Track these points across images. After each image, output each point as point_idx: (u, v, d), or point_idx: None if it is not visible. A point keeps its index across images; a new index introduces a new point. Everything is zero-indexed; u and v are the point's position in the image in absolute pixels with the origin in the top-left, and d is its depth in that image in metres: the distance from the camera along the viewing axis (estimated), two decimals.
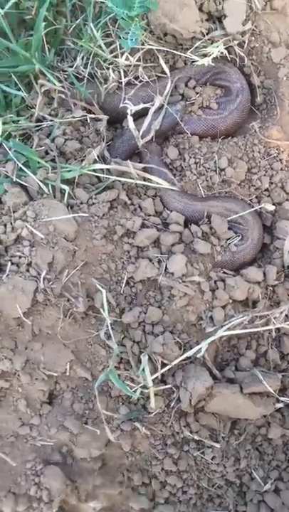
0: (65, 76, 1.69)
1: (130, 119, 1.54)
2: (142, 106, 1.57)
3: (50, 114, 1.65)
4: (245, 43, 1.66)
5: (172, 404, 1.55)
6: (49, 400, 1.53)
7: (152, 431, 1.56)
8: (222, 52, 1.59)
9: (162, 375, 1.51)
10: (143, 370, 1.44)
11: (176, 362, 1.48)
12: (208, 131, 1.69)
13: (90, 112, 1.67)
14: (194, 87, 1.67)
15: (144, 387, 1.47)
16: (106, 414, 1.48)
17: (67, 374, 1.50)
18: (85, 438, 1.48)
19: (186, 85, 1.68)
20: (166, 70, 1.59)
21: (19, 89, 1.64)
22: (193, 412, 1.57)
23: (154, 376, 1.45)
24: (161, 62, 1.59)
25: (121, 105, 1.59)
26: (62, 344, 1.50)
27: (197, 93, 1.66)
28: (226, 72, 1.66)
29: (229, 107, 1.66)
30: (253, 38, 1.68)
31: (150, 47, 1.59)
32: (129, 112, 1.53)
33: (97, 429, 1.51)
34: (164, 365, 1.50)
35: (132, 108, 1.53)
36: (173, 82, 1.62)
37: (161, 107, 1.59)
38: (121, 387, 1.42)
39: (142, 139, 1.59)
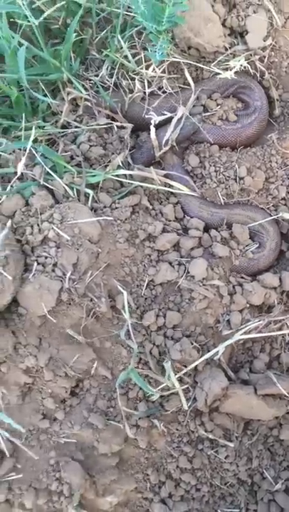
0: (90, 85, 1.75)
1: (153, 130, 1.61)
2: (165, 116, 1.63)
3: (75, 121, 1.72)
4: (265, 57, 1.73)
5: (189, 404, 1.60)
6: (72, 396, 1.57)
7: (168, 429, 1.61)
8: (244, 67, 1.66)
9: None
10: (169, 376, 1.49)
11: (194, 365, 1.53)
12: (218, 140, 1.73)
13: (113, 119, 1.74)
14: (216, 99, 1.73)
15: (164, 388, 1.53)
16: (126, 411, 1.53)
17: (90, 372, 1.55)
18: (107, 434, 1.53)
19: (210, 97, 1.73)
20: (191, 81, 1.66)
21: (45, 95, 1.70)
22: (208, 411, 1.62)
23: (176, 376, 1.50)
24: (186, 74, 1.66)
25: (146, 116, 1.64)
26: (84, 343, 1.55)
27: (218, 105, 1.73)
28: (250, 88, 1.72)
29: (244, 121, 1.72)
30: (273, 53, 1.75)
31: (175, 59, 1.65)
32: (152, 122, 1.59)
33: (119, 425, 1.56)
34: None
35: (156, 119, 1.59)
36: (196, 94, 1.68)
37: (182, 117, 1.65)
38: (142, 386, 1.48)
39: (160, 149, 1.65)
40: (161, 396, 1.58)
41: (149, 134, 1.65)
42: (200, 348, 1.60)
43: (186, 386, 1.59)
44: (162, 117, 1.65)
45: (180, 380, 1.59)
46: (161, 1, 1.49)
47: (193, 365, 1.54)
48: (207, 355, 1.55)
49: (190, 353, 1.56)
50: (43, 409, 1.57)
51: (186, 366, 1.56)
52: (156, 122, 1.63)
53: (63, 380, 1.53)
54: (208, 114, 1.70)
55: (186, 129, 1.66)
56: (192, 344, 1.58)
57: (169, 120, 1.68)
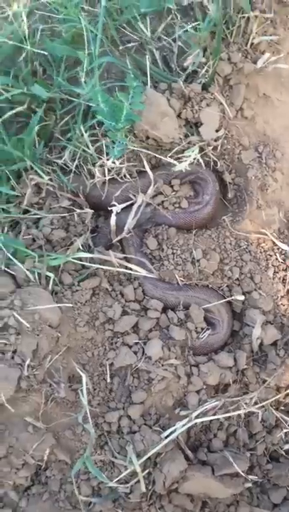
0: (53, 168, 1.81)
1: (113, 218, 1.68)
2: (125, 204, 1.71)
3: (38, 203, 1.77)
4: (218, 146, 1.84)
5: (149, 487, 1.61)
6: (32, 483, 1.57)
7: None
8: (197, 159, 1.77)
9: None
10: (130, 459, 1.52)
11: (155, 450, 1.56)
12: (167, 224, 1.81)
13: (75, 202, 1.80)
14: (173, 185, 1.82)
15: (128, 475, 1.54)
16: (85, 499, 1.53)
17: (50, 458, 1.56)
18: None
19: (170, 182, 1.83)
20: (149, 172, 1.73)
21: (8, 179, 1.74)
22: (167, 492, 1.64)
23: (140, 462, 1.53)
24: (145, 164, 1.74)
25: (109, 208, 1.72)
26: (43, 429, 1.56)
27: (174, 191, 1.82)
28: (206, 182, 1.82)
29: (189, 209, 1.82)
30: (226, 141, 1.87)
31: (134, 149, 1.74)
32: (114, 211, 1.67)
33: None
34: None
35: (117, 208, 1.67)
36: (156, 182, 1.76)
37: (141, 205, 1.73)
38: (96, 475, 1.49)
39: (118, 234, 1.73)
40: (125, 482, 1.59)
41: (106, 219, 1.72)
42: (161, 431, 1.63)
43: (147, 471, 1.60)
44: (123, 205, 1.72)
45: (144, 464, 1.60)
46: (120, 100, 1.59)
47: (154, 451, 1.56)
48: (165, 440, 1.58)
49: (152, 438, 1.59)
50: (5, 499, 1.56)
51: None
52: (119, 211, 1.70)
53: (23, 470, 1.53)
54: (164, 199, 1.79)
55: (142, 215, 1.74)
56: (151, 428, 1.61)
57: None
